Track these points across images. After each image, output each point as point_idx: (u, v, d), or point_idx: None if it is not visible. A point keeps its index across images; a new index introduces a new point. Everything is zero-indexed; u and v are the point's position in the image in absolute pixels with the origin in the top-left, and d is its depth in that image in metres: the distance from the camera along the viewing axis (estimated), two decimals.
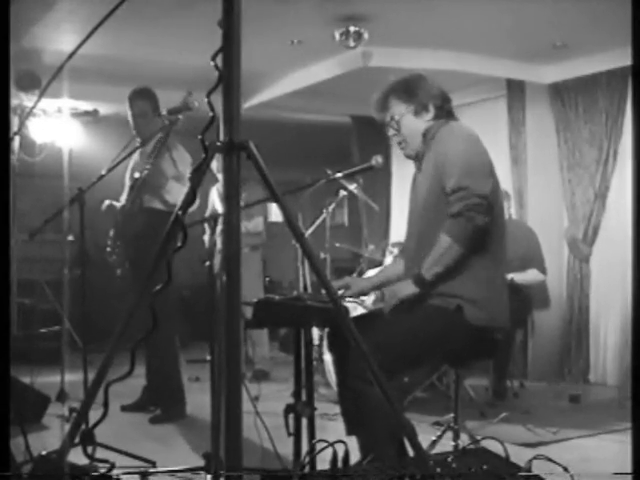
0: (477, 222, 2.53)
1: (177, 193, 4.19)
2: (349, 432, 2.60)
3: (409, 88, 2.79)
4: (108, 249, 4.38)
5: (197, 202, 4.19)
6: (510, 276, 4.25)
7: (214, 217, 3.10)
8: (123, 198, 4.43)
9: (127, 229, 4.27)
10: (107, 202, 4.39)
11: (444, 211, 2.60)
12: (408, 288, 2.62)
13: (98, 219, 4.37)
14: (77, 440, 1.53)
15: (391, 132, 2.84)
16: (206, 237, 5.47)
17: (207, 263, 3.14)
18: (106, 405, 1.49)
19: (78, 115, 6.30)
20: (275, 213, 8.44)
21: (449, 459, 2.64)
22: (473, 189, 2.54)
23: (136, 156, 4.40)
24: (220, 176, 5.41)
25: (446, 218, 2.57)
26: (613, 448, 3.73)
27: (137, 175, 4.23)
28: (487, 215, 2.54)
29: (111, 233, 4.38)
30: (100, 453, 3.01)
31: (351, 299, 2.98)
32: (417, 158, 2.84)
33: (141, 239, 4.11)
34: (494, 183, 2.69)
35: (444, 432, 3.16)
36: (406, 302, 2.61)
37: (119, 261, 4.34)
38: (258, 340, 5.92)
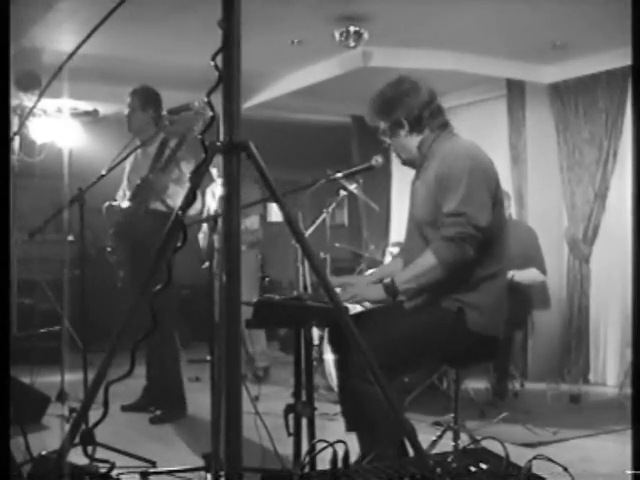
0: (466, 253, 2.53)
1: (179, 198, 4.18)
2: (348, 429, 2.60)
3: (383, 106, 2.77)
4: (108, 249, 4.36)
5: (199, 204, 4.16)
6: (510, 273, 4.22)
7: (214, 217, 3.10)
8: (119, 196, 4.41)
9: (131, 230, 4.22)
10: (106, 204, 4.37)
11: (437, 224, 2.61)
12: (378, 293, 2.64)
13: (97, 220, 4.37)
14: (77, 440, 1.53)
15: (385, 143, 2.86)
16: (200, 235, 5.45)
17: (207, 264, 3.14)
18: (106, 405, 1.49)
19: (78, 115, 6.30)
20: (275, 213, 8.45)
21: (449, 459, 2.64)
22: (471, 218, 2.52)
23: (137, 156, 4.39)
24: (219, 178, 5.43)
25: (437, 236, 2.57)
26: (613, 448, 3.73)
27: (138, 182, 4.22)
28: (475, 249, 2.53)
29: (110, 232, 4.34)
30: (100, 453, 3.03)
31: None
32: (414, 166, 2.85)
33: (147, 240, 4.04)
34: (498, 194, 2.67)
35: (444, 432, 3.16)
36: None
37: (120, 262, 4.31)
38: (255, 338, 5.91)
